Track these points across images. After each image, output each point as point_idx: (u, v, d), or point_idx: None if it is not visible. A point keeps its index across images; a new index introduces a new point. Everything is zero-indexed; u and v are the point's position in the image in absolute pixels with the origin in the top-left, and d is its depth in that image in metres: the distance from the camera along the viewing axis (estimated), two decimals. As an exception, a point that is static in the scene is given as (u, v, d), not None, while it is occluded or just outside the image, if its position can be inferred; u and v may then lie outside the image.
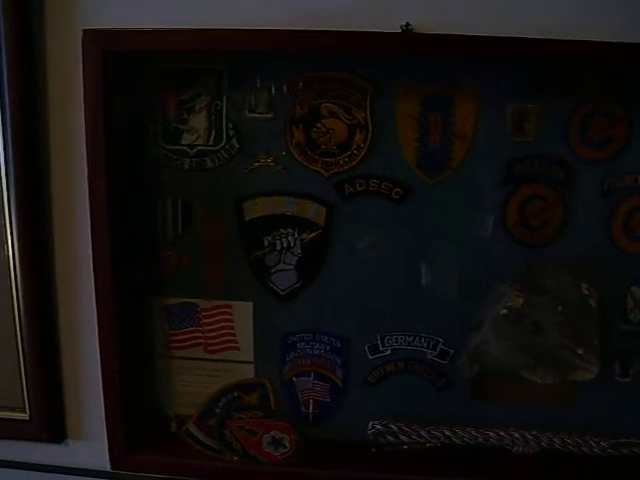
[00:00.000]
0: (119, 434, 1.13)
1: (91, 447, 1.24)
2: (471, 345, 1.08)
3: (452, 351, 1.12)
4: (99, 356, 1.11)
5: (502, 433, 1.13)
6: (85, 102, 1.01)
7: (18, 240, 1.12)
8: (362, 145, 1.05)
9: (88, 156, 1.04)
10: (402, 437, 1.14)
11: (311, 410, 1.17)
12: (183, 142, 1.08)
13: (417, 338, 1.12)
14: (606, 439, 1.13)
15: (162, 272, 1.12)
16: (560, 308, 1.06)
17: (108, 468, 1.23)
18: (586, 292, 1.06)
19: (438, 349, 1.12)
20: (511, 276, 1.07)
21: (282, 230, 1.09)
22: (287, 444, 1.14)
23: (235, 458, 1.13)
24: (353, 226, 1.09)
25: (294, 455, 1.13)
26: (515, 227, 1.07)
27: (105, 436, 1.17)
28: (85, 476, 1.25)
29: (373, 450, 1.15)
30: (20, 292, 1.15)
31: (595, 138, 1.03)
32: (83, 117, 1.02)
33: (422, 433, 1.14)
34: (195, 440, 1.17)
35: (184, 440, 1.17)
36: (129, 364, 1.13)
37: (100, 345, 1.10)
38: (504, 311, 1.05)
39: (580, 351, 1.06)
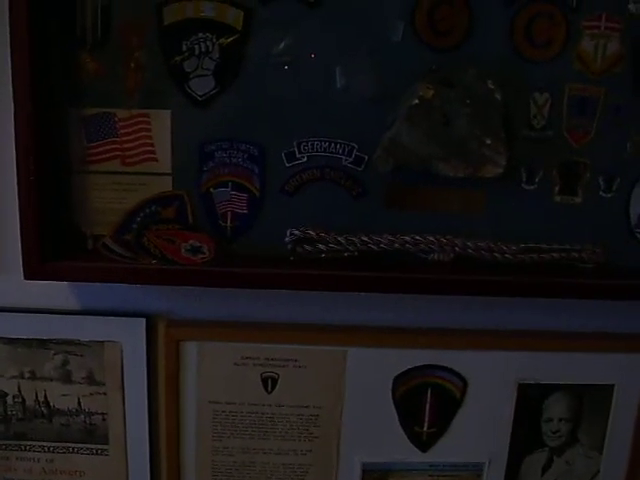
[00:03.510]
0: (33, 243, 1.10)
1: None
2: (385, 138, 1.11)
3: (367, 157, 1.15)
4: (15, 162, 1.09)
5: (418, 237, 1.16)
6: None
7: None
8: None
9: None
10: (320, 245, 1.16)
11: (229, 223, 1.17)
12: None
13: (333, 144, 1.15)
14: (516, 244, 1.17)
15: (80, 80, 1.12)
16: (468, 101, 1.10)
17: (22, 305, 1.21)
18: (492, 87, 1.11)
19: (353, 155, 1.15)
20: (422, 75, 1.11)
21: (200, 34, 1.11)
22: (206, 251, 1.13)
23: (153, 261, 1.11)
24: (270, 30, 1.11)
25: (214, 260, 1.13)
26: (424, 31, 1.12)
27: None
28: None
29: (291, 258, 1.15)
30: None
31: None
32: None
33: (339, 239, 1.15)
34: (112, 252, 1.15)
35: (101, 253, 1.15)
36: (44, 179, 1.11)
37: (17, 151, 1.08)
38: (415, 101, 1.09)
39: (488, 140, 1.10)
